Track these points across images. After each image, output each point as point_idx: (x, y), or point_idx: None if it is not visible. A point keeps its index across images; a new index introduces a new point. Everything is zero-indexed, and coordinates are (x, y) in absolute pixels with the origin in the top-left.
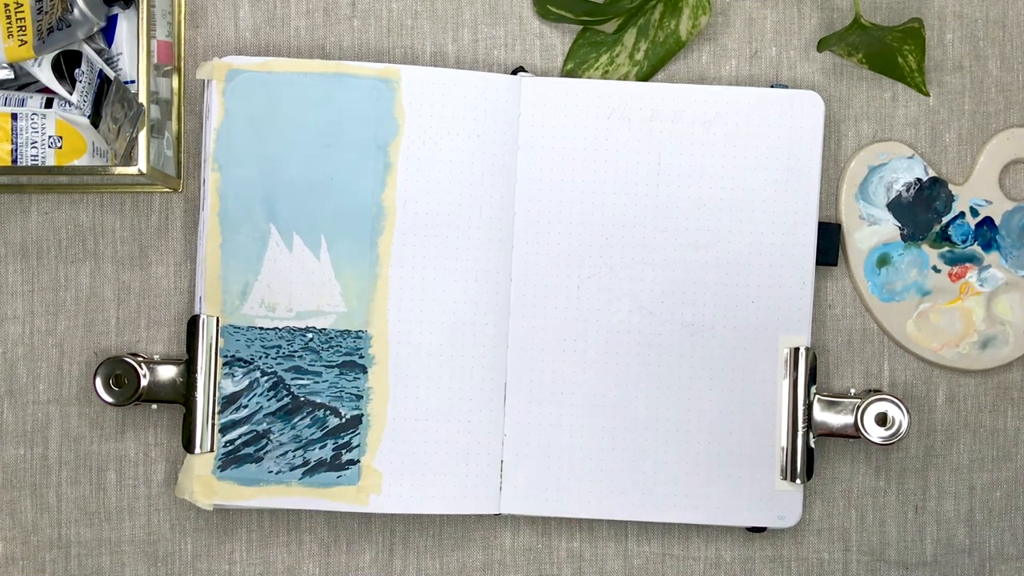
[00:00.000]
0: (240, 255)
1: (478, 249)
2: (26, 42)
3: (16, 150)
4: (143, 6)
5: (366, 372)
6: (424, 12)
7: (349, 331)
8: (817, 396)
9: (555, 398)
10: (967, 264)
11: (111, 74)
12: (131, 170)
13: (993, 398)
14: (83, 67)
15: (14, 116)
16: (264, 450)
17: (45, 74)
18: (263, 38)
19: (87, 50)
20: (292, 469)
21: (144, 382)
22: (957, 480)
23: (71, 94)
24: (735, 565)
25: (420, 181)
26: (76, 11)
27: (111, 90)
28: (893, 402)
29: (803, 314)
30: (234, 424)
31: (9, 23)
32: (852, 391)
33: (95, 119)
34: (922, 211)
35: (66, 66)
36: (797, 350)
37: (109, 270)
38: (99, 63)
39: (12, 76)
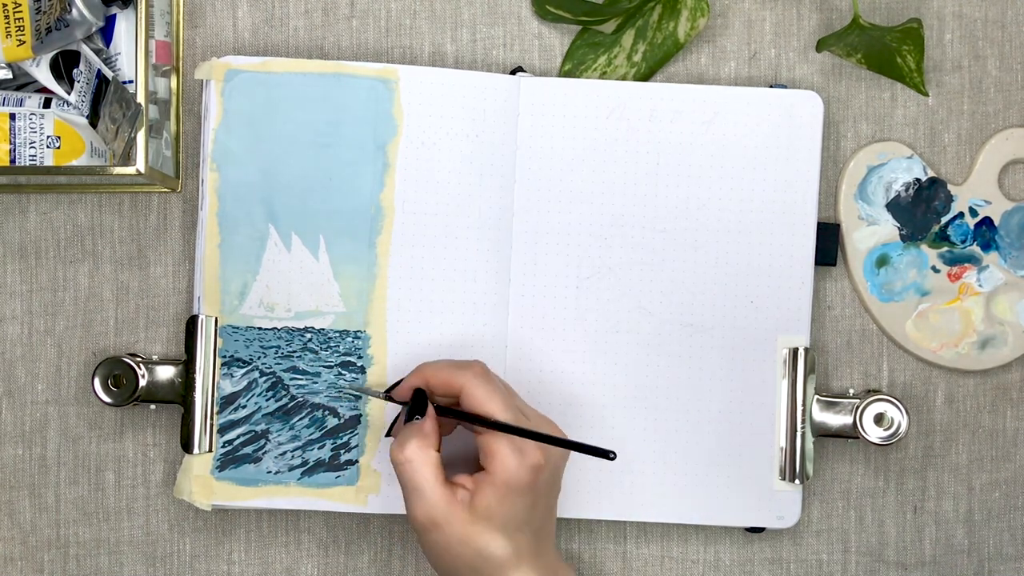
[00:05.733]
0: (239, 255)
1: (477, 249)
2: (24, 42)
3: (14, 150)
4: (142, 6)
5: (365, 372)
6: (423, 12)
7: (348, 331)
8: (816, 396)
9: (553, 398)
10: (966, 264)
11: (109, 74)
12: (129, 170)
13: (992, 398)
14: (81, 67)
15: (12, 116)
16: (263, 450)
17: (43, 74)
18: (261, 38)
19: (85, 50)
20: (291, 469)
21: (143, 382)
22: (956, 480)
23: (69, 94)
24: (734, 566)
25: (419, 181)
26: (74, 11)
27: (109, 90)
28: (892, 402)
29: (802, 314)
30: (233, 424)
31: (8, 23)
32: (851, 391)
33: (93, 119)
34: (921, 211)
35: (64, 66)
36: (796, 350)
37: (107, 270)
38: (97, 63)
39: (10, 76)
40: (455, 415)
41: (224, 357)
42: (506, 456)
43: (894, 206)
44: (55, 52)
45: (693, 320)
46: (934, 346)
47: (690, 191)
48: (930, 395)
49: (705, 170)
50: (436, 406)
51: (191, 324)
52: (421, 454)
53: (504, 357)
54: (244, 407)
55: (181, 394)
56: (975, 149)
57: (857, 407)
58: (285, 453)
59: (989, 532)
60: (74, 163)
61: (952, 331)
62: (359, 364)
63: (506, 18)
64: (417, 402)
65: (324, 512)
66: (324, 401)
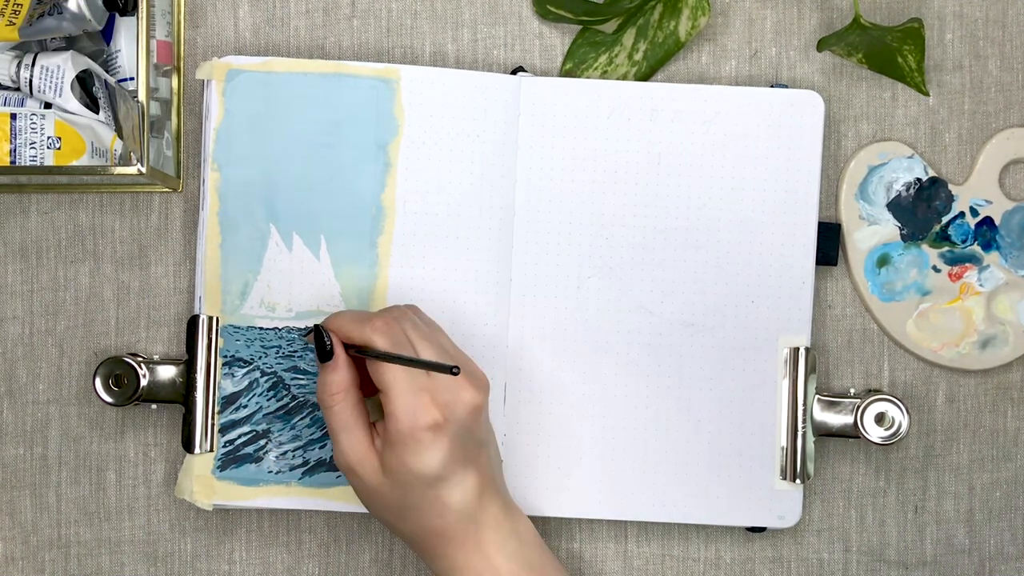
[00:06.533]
0: (240, 255)
1: (478, 249)
2: (15, 24)
3: (15, 150)
4: (143, 6)
5: None
6: (424, 12)
7: None
8: (817, 396)
9: (554, 398)
10: (967, 264)
11: (110, 80)
12: (130, 170)
13: (993, 398)
14: (97, 84)
15: (13, 116)
16: (264, 450)
17: (72, 104)
18: (263, 38)
19: (93, 66)
20: (292, 469)
21: (144, 382)
22: (957, 480)
23: (97, 113)
24: (735, 566)
25: (420, 181)
26: (73, 4)
27: (116, 95)
28: (893, 402)
29: (803, 314)
30: (234, 424)
31: (6, 3)
32: (852, 391)
33: (119, 130)
34: (922, 211)
35: (84, 89)
36: (797, 350)
37: (108, 270)
38: (102, 73)
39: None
40: (359, 353)
41: (225, 357)
42: (400, 416)
43: (895, 206)
44: (76, 75)
45: (694, 320)
46: (935, 346)
47: (691, 191)
48: (931, 395)
49: (706, 170)
50: (345, 345)
51: (192, 324)
52: (338, 397)
53: (505, 357)
54: (245, 407)
55: (182, 394)
56: (976, 149)
57: (858, 407)
58: (286, 453)
59: (990, 532)
60: (75, 163)
61: (953, 331)
62: None
63: (507, 18)
64: (321, 345)
65: (325, 512)
66: None
